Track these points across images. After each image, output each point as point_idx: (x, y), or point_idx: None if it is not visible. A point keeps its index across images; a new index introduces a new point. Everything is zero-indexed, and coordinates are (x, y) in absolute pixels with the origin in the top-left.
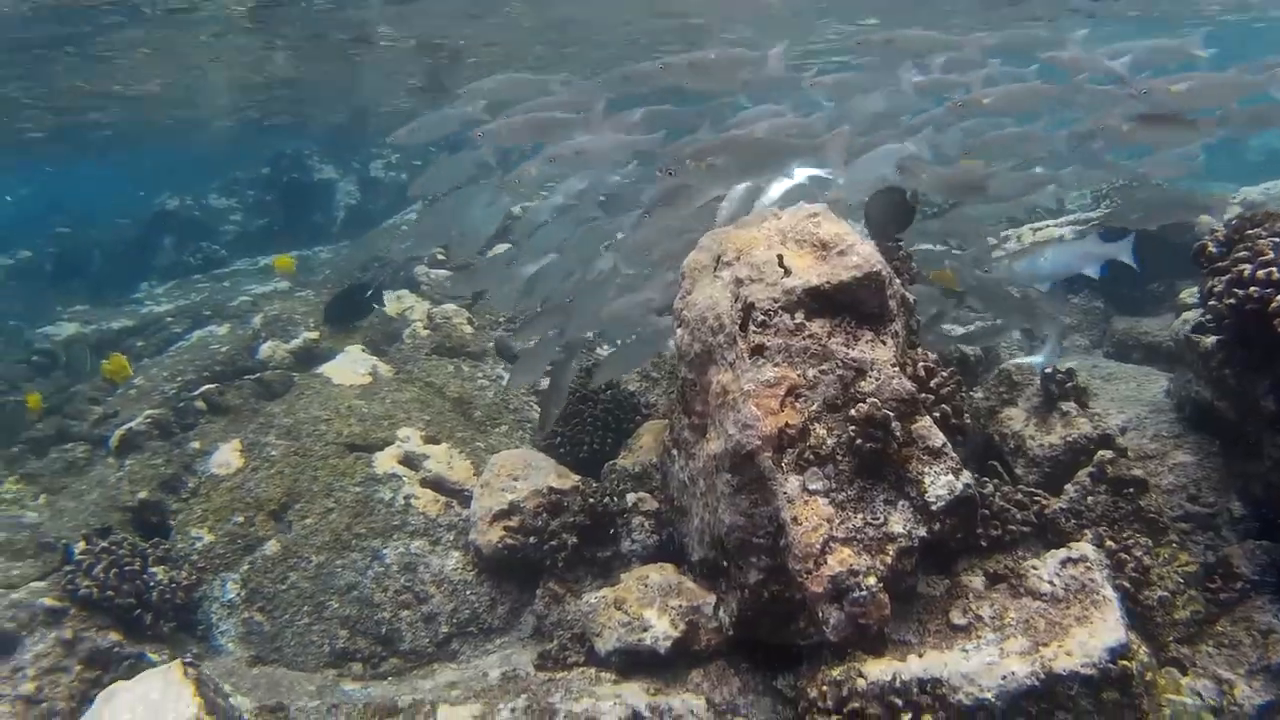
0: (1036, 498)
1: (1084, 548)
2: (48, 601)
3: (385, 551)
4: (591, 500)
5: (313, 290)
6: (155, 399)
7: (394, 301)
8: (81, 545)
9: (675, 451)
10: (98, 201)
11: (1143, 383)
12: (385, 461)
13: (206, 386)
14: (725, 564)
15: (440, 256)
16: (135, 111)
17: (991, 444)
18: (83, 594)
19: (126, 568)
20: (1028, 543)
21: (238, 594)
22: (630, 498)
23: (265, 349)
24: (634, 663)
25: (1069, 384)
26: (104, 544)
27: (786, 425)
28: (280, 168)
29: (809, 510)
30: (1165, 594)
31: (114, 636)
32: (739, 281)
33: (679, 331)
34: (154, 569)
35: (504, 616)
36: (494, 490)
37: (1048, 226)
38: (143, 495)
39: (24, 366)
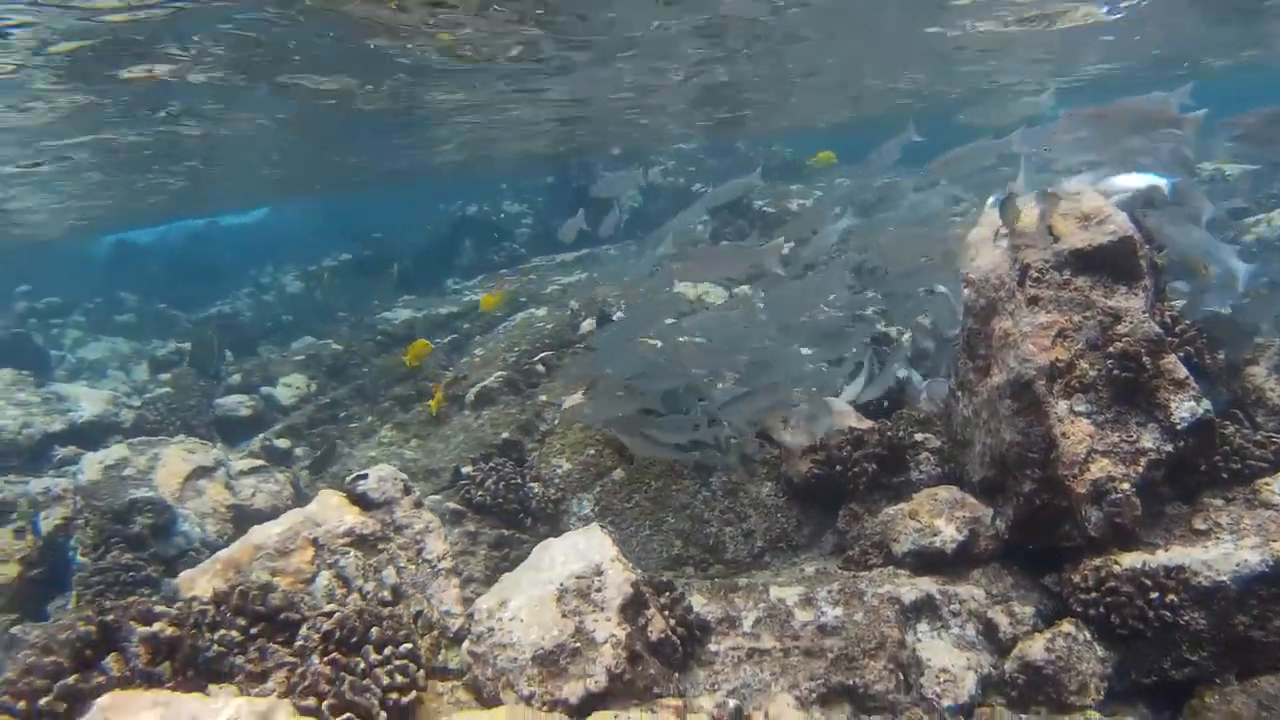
0: (1274, 438)
1: None
2: (451, 505)
3: (711, 479)
4: (889, 434)
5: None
6: (498, 365)
7: (691, 288)
8: (469, 467)
9: (960, 393)
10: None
11: None
12: None
13: (544, 353)
14: (1003, 479)
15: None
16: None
17: (1236, 398)
18: (477, 501)
19: (512, 481)
20: (1265, 476)
21: (592, 510)
22: (919, 436)
23: (585, 325)
24: (924, 563)
25: None
26: (488, 465)
27: (1057, 359)
28: (568, 176)
29: (1074, 428)
30: None
31: (506, 532)
32: (1015, 248)
33: (965, 291)
34: (531, 484)
35: (808, 536)
36: (803, 430)
37: None
38: (505, 435)
39: (371, 344)
